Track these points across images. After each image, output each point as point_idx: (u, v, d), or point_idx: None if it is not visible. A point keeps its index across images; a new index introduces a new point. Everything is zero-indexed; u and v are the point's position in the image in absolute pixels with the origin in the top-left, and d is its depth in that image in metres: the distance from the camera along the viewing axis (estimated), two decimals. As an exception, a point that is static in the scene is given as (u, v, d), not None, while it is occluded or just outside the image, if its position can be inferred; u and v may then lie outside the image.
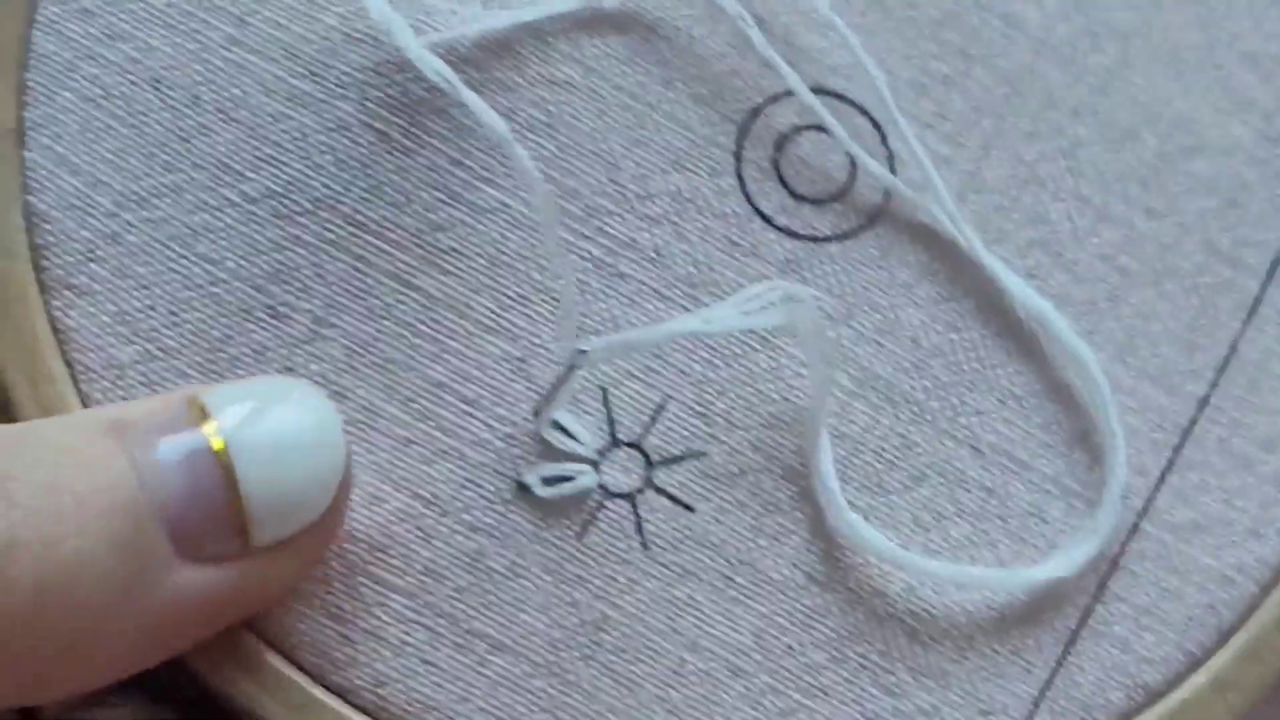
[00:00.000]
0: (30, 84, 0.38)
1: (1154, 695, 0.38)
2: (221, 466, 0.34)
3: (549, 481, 0.38)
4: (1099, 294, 0.40)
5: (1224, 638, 0.39)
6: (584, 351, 0.36)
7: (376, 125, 0.39)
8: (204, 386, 0.35)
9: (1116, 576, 0.39)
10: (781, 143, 0.40)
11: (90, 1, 0.39)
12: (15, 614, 0.32)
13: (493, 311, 0.38)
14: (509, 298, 0.38)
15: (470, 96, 0.36)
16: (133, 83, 0.38)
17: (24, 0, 0.39)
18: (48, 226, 0.37)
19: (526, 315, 0.38)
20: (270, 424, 0.34)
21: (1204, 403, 0.40)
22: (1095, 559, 0.39)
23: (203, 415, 0.34)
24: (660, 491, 0.38)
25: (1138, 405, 0.40)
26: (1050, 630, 0.38)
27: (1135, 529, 0.39)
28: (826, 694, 0.38)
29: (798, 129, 0.40)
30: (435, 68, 0.36)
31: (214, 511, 0.34)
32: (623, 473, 0.38)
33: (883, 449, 0.39)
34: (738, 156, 0.40)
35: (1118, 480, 0.39)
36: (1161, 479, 0.40)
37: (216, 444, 0.34)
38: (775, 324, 0.36)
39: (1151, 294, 0.40)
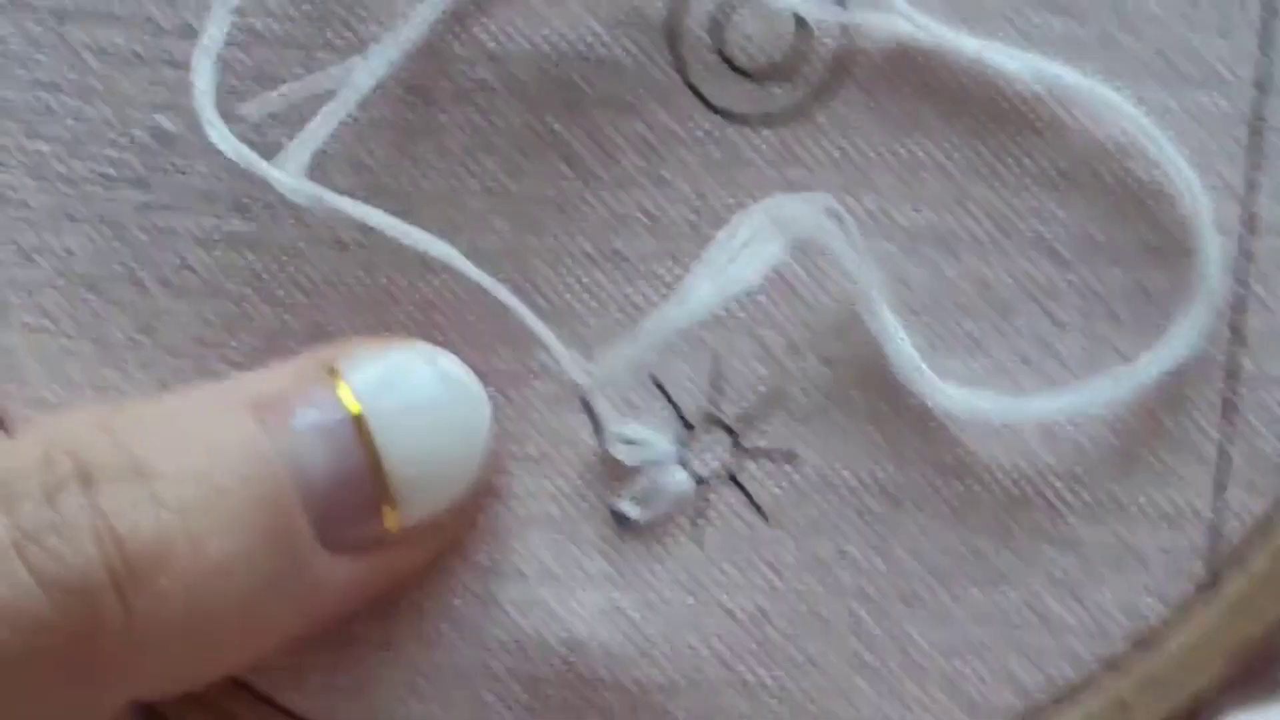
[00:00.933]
0: None
1: None
2: (365, 443, 0.33)
3: (643, 500, 0.35)
4: (1106, 21, 0.36)
5: None
6: (587, 386, 0.34)
7: (323, 235, 0.35)
8: (338, 350, 0.34)
9: (1247, 313, 0.36)
10: (717, 29, 0.36)
11: None
12: (168, 624, 0.31)
13: (518, 358, 0.35)
14: (521, 339, 0.35)
15: (376, 216, 0.33)
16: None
17: None
18: None
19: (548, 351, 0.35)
20: (415, 395, 0.33)
21: (1263, 84, 0.36)
22: (1214, 309, 0.35)
23: (340, 385, 0.33)
24: (756, 454, 0.35)
25: (1194, 119, 0.36)
26: (1203, 406, 0.35)
27: (1246, 254, 0.36)
28: (1007, 578, 0.35)
29: (724, 2, 0.36)
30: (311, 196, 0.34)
31: (359, 490, 0.33)
32: (710, 454, 0.35)
33: (958, 302, 0.36)
34: (679, 65, 0.36)
35: (1205, 215, 0.35)
36: (1250, 185, 0.36)
37: (359, 419, 0.33)
38: (777, 254, 0.33)
39: None
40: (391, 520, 0.33)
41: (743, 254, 0.34)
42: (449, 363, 0.34)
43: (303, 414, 0.33)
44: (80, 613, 0.30)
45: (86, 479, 0.31)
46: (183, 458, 0.32)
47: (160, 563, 0.31)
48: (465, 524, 0.35)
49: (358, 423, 0.33)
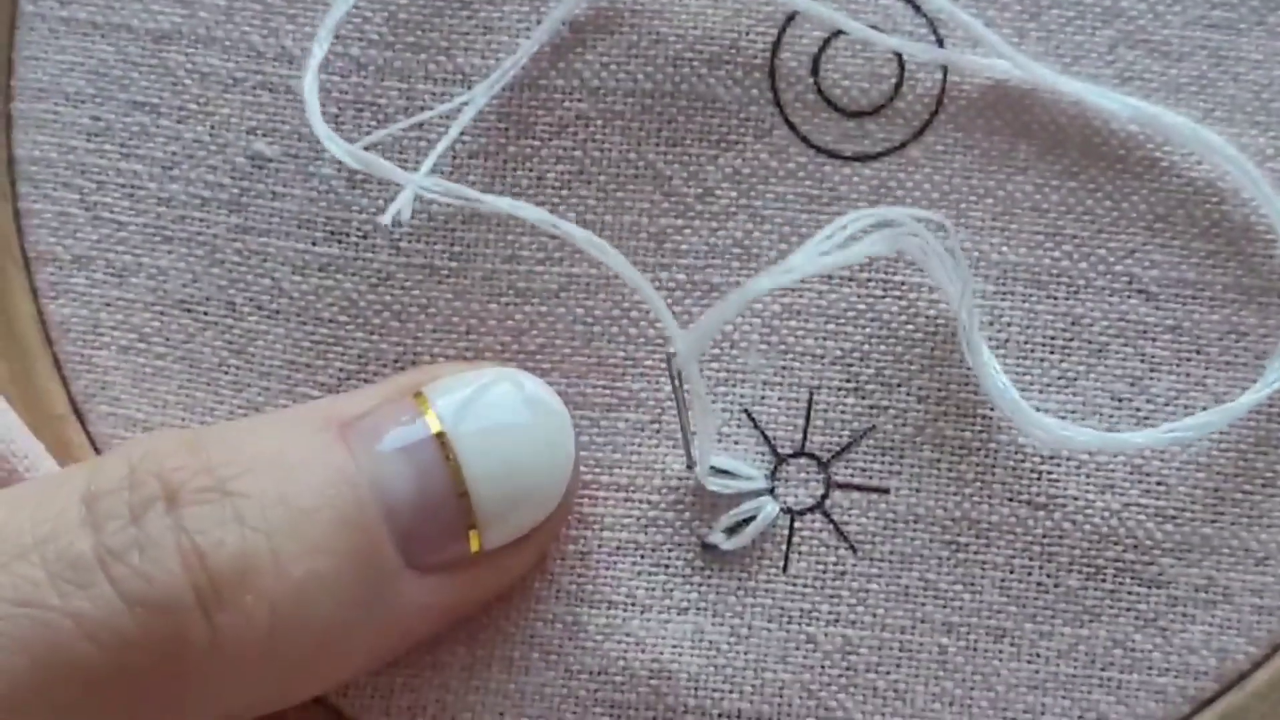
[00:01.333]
0: None
1: None
2: (451, 467, 0.33)
3: (732, 531, 0.35)
4: (1202, 61, 0.36)
5: None
6: (674, 353, 0.33)
7: (417, 260, 0.35)
8: (425, 373, 0.34)
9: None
10: (815, 66, 0.36)
11: None
12: (253, 644, 0.31)
13: (607, 389, 0.35)
14: (613, 368, 0.35)
15: (503, 202, 0.33)
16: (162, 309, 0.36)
17: None
18: None
19: (639, 376, 0.35)
20: (499, 420, 0.33)
21: None
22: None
23: (426, 408, 0.33)
24: (845, 487, 0.35)
25: None
26: None
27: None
28: (1095, 616, 0.35)
29: (825, 42, 0.36)
30: (447, 190, 0.33)
31: (443, 514, 0.33)
32: (801, 487, 0.35)
33: (1051, 337, 0.36)
34: (777, 102, 0.36)
35: None
36: (1343, 228, 0.36)
37: (444, 443, 0.33)
38: (875, 251, 0.33)
39: (1258, 34, 0.36)
40: (475, 542, 0.33)
41: (847, 242, 0.34)
42: (535, 386, 0.34)
43: (388, 436, 0.33)
44: (166, 630, 0.30)
45: (172, 499, 0.31)
46: (267, 480, 0.32)
47: (245, 581, 0.31)
48: (549, 548, 0.35)
49: (443, 445, 0.33)
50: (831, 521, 0.35)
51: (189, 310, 0.36)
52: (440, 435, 0.33)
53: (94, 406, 0.36)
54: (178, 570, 0.31)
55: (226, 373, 0.36)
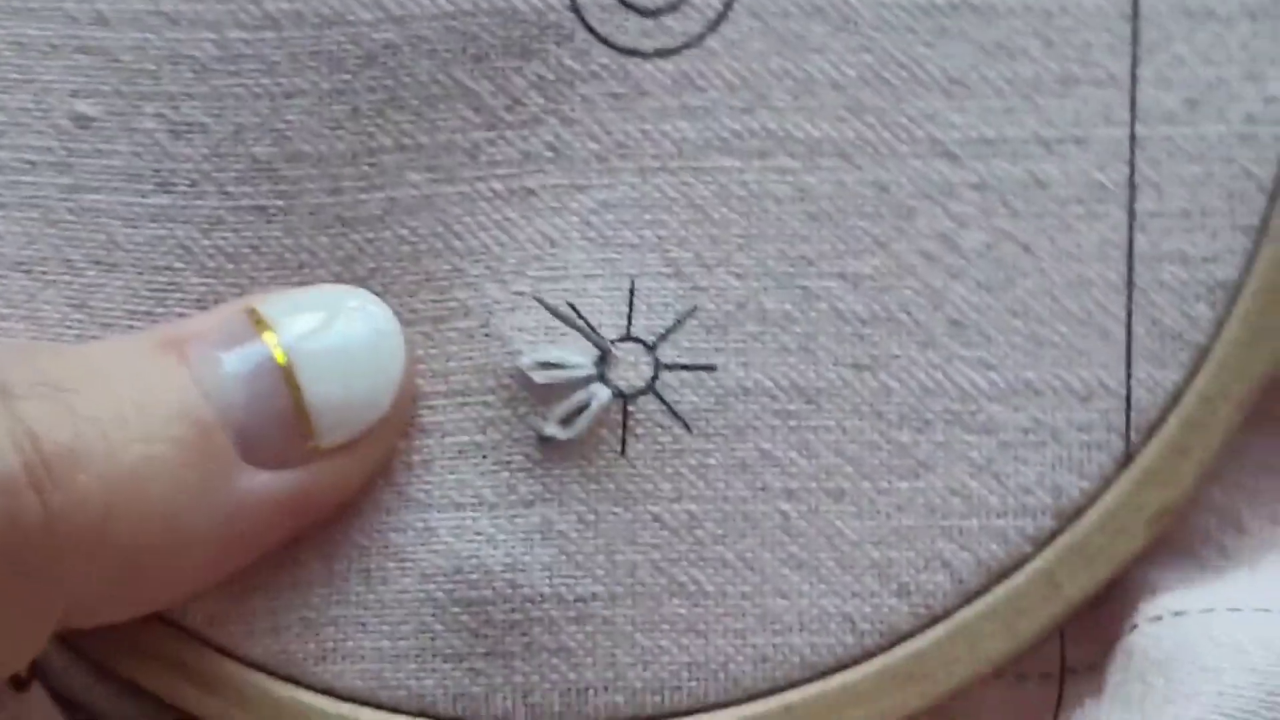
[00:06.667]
0: None
1: (1234, 289, 0.37)
2: (285, 378, 0.34)
3: (567, 420, 0.36)
4: None
5: (1272, 196, 0.37)
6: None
7: (245, 203, 0.36)
8: (260, 296, 0.35)
9: (1140, 196, 0.37)
10: None
11: None
12: (88, 525, 0.31)
13: (436, 301, 0.37)
14: (440, 281, 0.36)
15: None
16: None
17: None
18: None
19: (464, 286, 0.36)
20: (332, 333, 0.34)
21: None
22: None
23: (261, 325, 0.34)
24: (674, 367, 0.36)
25: (1074, 18, 0.37)
26: (1104, 286, 0.36)
27: (1134, 141, 0.37)
28: (929, 467, 0.36)
29: None
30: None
31: (279, 420, 0.34)
32: (630, 370, 0.36)
33: (860, 205, 0.37)
34: (575, 8, 0.37)
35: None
36: (1134, 75, 0.37)
37: (279, 357, 0.34)
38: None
39: None
40: (314, 442, 0.34)
41: None
42: (362, 296, 0.36)
43: (222, 347, 0.34)
44: None
45: (4, 393, 0.32)
46: (101, 381, 0.33)
47: (77, 462, 0.31)
48: (391, 456, 0.36)
49: (274, 352, 0.34)
50: (664, 402, 0.36)
51: (27, 272, 0.37)
52: (278, 354, 0.34)
53: None
54: (10, 452, 0.31)
55: (70, 328, 0.37)
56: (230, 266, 0.37)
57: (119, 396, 0.32)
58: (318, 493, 0.35)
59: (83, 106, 0.37)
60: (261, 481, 0.34)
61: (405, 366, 0.35)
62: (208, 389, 0.33)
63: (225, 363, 0.34)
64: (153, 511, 0.32)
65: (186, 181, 0.37)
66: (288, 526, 0.35)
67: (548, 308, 0.36)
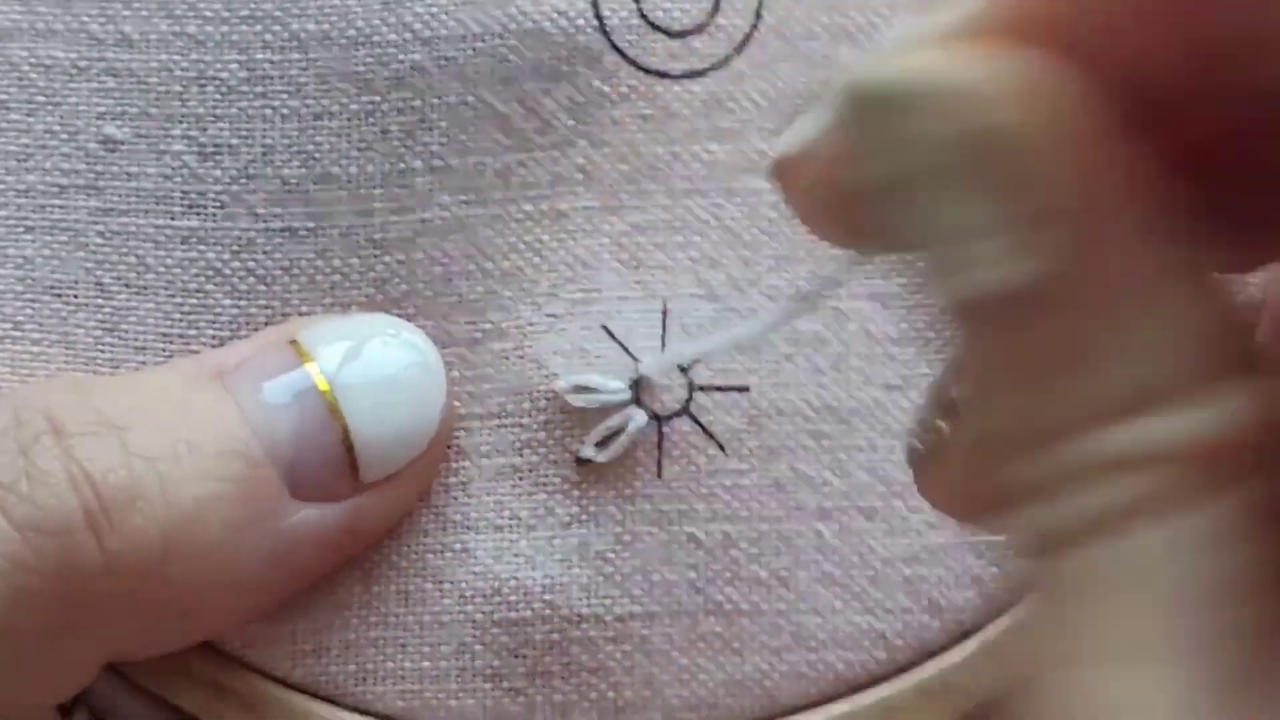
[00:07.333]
0: None
1: None
2: (329, 407, 0.34)
3: (603, 442, 0.36)
4: None
5: None
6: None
7: (275, 225, 0.36)
8: (299, 323, 0.36)
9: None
10: None
11: None
12: (144, 568, 0.32)
13: (470, 324, 0.37)
14: (473, 303, 0.37)
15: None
16: None
17: None
18: None
19: (498, 308, 0.37)
20: (373, 362, 0.35)
21: None
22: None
23: (302, 354, 0.34)
24: (708, 389, 0.37)
25: None
26: None
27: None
28: (960, 484, 0.37)
29: None
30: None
31: (324, 451, 0.34)
32: (665, 393, 0.37)
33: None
34: (604, 29, 0.37)
35: None
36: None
37: (322, 385, 0.34)
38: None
39: None
40: (358, 474, 0.35)
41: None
42: (404, 330, 0.36)
43: (266, 378, 0.34)
44: (57, 553, 0.31)
45: (59, 431, 0.32)
46: (151, 415, 0.33)
47: (133, 505, 0.32)
48: (431, 481, 0.36)
49: (318, 382, 0.34)
50: (698, 423, 0.37)
51: (59, 295, 0.37)
52: (314, 373, 0.34)
53: None
54: (68, 494, 0.31)
55: (103, 351, 0.37)
56: (262, 288, 0.37)
57: (171, 432, 0.33)
58: (363, 525, 0.35)
59: (110, 129, 0.37)
60: (309, 516, 0.34)
61: (447, 397, 0.35)
62: (255, 424, 0.33)
63: (268, 394, 0.34)
64: (207, 551, 0.33)
65: (216, 203, 0.37)
66: (334, 559, 0.35)
67: (615, 339, 0.37)
